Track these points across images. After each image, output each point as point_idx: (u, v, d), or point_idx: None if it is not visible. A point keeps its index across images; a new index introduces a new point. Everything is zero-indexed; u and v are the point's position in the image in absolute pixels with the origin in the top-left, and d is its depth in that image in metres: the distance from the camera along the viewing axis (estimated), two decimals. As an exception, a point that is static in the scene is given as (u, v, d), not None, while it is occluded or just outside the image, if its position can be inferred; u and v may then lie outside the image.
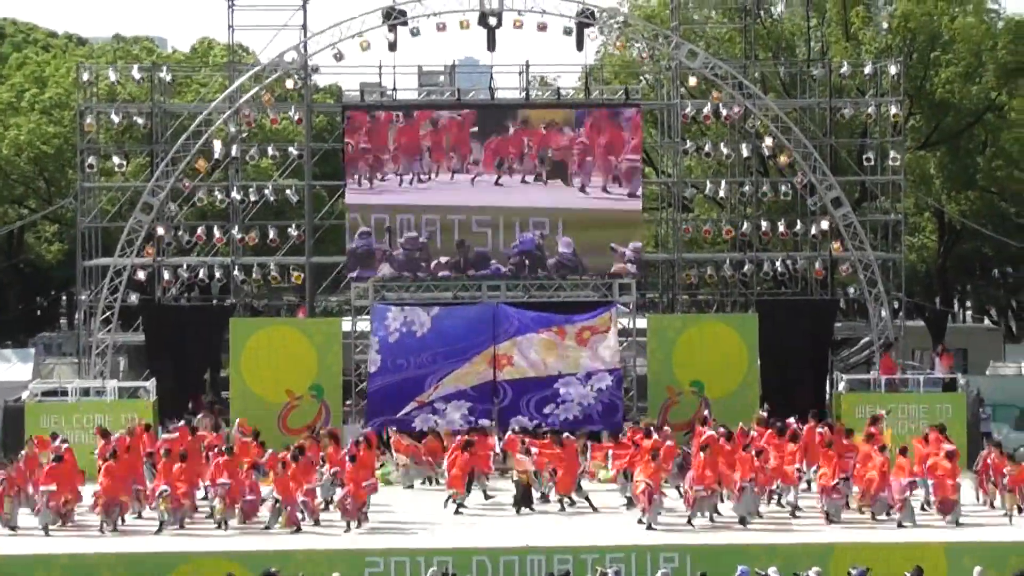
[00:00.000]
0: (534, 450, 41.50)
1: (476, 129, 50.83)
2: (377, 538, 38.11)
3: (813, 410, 45.49)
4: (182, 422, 44.60)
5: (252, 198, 52.97)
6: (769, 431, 42.67)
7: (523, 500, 40.71)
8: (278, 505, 39.18)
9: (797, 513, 39.83)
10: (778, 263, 53.56)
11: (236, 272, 52.98)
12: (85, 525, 39.46)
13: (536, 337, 48.10)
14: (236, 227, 52.92)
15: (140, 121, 54.45)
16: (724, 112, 52.65)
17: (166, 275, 52.71)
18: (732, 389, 48.86)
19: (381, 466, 43.44)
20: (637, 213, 51.96)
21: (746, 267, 53.47)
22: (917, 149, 64.98)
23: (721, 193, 55.61)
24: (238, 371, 49.36)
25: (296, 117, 53.93)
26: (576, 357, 48.00)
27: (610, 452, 43.24)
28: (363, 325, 51.19)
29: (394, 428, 46.17)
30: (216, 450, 41.08)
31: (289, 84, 53.07)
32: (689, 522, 38.90)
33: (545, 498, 41.54)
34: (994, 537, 37.40)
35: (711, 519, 39.15)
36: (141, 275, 51.50)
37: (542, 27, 51.43)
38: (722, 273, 53.86)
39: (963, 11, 64.41)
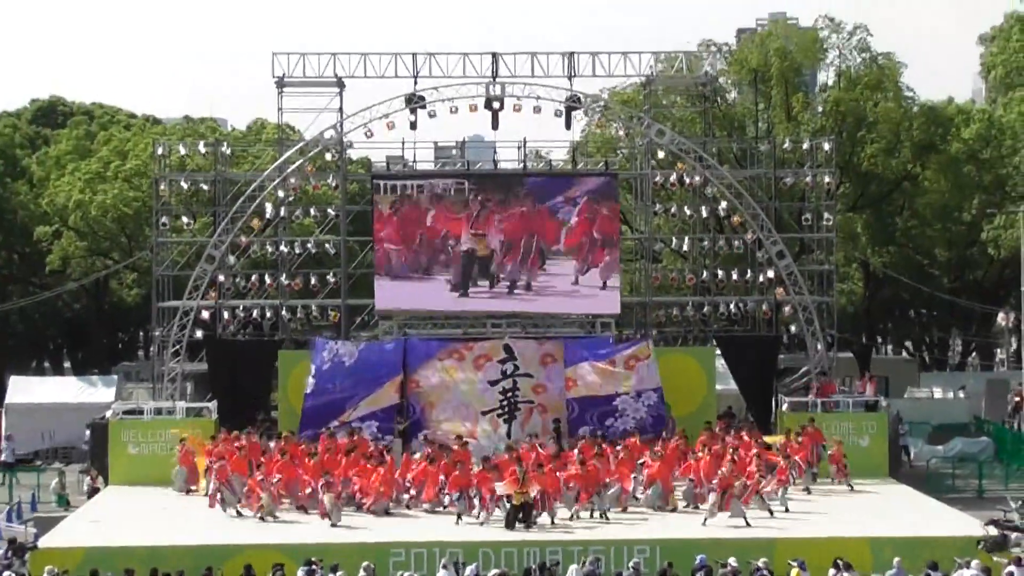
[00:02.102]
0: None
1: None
2: (399, 532, 38.09)
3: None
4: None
5: (297, 251, 53.01)
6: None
7: (518, 518, 38.38)
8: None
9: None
10: (732, 305, 53.58)
11: (284, 312, 52.97)
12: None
13: (594, 365, 48.42)
14: (284, 275, 52.94)
15: (205, 187, 54.50)
16: (687, 180, 52.69)
17: (226, 315, 52.66)
18: (694, 409, 48.98)
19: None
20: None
21: (705, 308, 53.41)
22: (846, 211, 65.02)
23: (685, 247, 55.73)
24: (285, 393, 49.47)
25: (333, 184, 54.06)
26: (626, 379, 48.29)
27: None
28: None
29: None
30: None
31: (328, 157, 53.28)
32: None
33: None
34: (911, 532, 37.34)
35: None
36: (205, 315, 51.47)
37: (537, 110, 51.62)
38: (686, 313, 53.80)
39: (884, 98, 64.55)
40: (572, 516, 39.66)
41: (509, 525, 38.24)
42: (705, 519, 38.74)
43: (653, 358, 48.66)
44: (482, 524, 38.93)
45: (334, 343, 49.43)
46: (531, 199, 50.80)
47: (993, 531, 36.16)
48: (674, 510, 40.75)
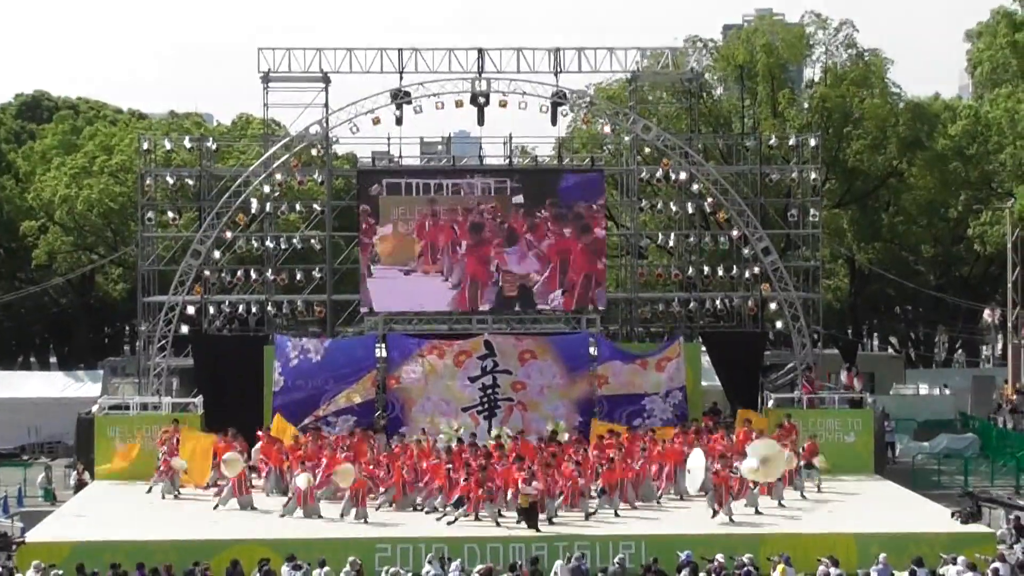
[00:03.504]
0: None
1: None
2: (386, 528, 38.15)
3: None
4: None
5: (282, 246, 53.02)
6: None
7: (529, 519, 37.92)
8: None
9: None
10: (718, 301, 53.76)
11: (269, 307, 52.98)
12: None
13: (625, 365, 48.73)
14: (269, 270, 52.97)
15: (190, 182, 54.63)
16: (673, 176, 52.75)
17: (211, 310, 52.75)
18: (680, 404, 49.21)
19: None
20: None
21: (691, 304, 53.49)
22: (832, 207, 65.22)
23: (671, 243, 55.85)
24: (271, 389, 49.38)
25: (319, 179, 54.19)
26: (656, 380, 48.70)
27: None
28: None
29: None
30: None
31: (313, 152, 53.20)
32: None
33: None
34: (896, 528, 37.44)
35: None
36: (191, 310, 51.44)
37: (523, 106, 51.58)
38: (671, 309, 53.92)
39: (870, 94, 64.73)
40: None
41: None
42: (704, 515, 38.89)
43: (682, 356, 49.00)
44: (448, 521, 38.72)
45: (298, 339, 49.58)
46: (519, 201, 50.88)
47: (968, 502, 36.60)
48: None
